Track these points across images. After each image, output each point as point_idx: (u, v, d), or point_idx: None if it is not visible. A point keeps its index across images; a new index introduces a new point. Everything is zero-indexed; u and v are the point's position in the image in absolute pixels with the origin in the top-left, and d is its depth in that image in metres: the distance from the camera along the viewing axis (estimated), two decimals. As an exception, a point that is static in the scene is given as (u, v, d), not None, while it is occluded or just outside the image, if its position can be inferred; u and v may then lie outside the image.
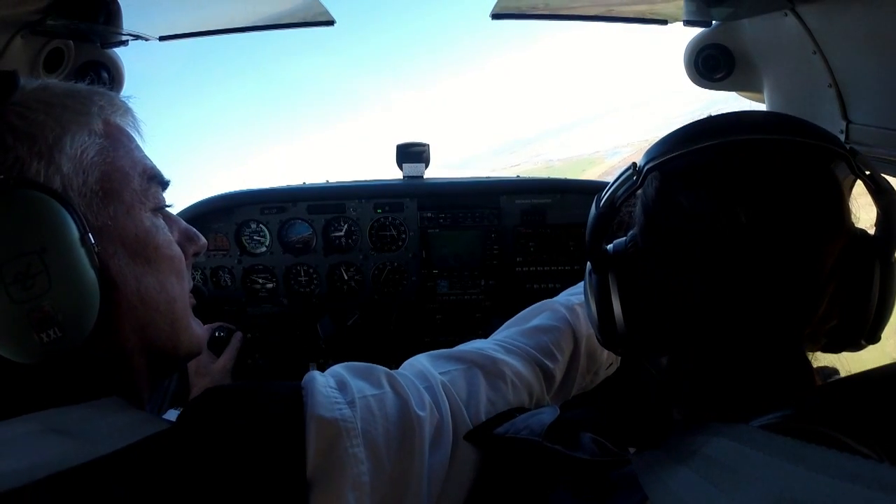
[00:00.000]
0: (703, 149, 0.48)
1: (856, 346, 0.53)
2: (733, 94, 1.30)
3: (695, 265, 0.50)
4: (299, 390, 0.53)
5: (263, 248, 1.60)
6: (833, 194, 0.48)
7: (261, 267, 1.60)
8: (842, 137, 0.95)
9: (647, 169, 0.51)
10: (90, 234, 0.49)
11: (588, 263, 0.60)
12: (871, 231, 0.51)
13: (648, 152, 0.52)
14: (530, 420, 0.60)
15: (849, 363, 0.56)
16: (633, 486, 0.45)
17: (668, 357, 0.58)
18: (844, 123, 0.94)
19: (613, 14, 1.25)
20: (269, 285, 1.61)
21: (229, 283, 1.60)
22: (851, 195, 0.50)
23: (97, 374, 0.52)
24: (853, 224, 0.50)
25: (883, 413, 0.42)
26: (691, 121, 0.52)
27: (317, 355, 1.61)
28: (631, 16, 1.26)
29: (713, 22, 1.21)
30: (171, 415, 1.05)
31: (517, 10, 1.23)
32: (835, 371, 0.58)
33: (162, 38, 1.25)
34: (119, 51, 1.24)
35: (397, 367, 0.67)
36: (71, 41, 1.14)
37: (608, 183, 0.55)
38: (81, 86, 0.57)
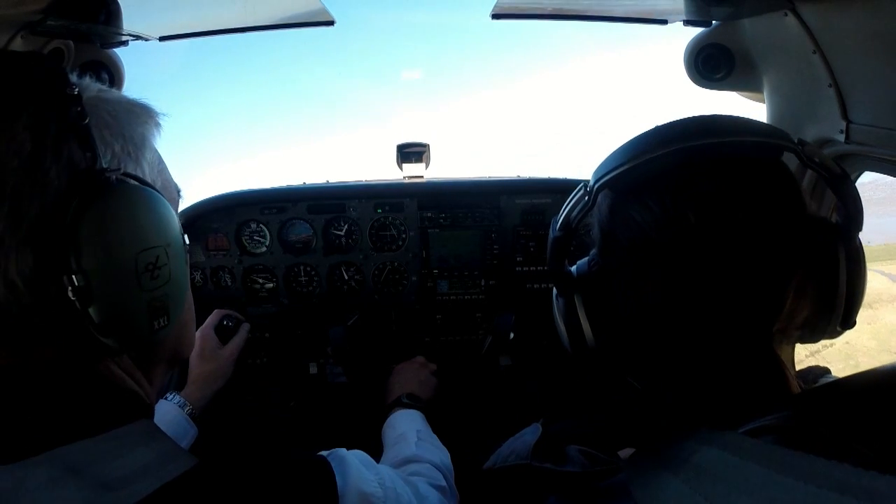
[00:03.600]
0: (648, 161, 0.48)
1: (832, 333, 0.53)
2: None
3: (653, 275, 0.49)
4: (325, 462, 0.55)
5: (263, 248, 1.60)
6: (782, 185, 0.47)
7: (261, 267, 1.60)
8: (842, 137, 0.95)
9: (598, 187, 0.51)
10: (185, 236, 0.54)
11: (553, 287, 0.60)
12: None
13: (597, 171, 0.52)
14: (515, 444, 0.60)
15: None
16: (623, 495, 0.45)
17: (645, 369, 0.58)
18: (844, 123, 0.94)
19: (613, 14, 1.25)
20: (270, 285, 1.61)
21: (229, 283, 1.60)
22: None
23: (141, 364, 0.54)
24: (810, 213, 0.49)
25: (873, 416, 0.42)
26: (635, 135, 0.51)
27: (317, 355, 1.61)
28: (631, 15, 1.26)
29: (713, 22, 1.21)
30: (172, 398, 1.12)
31: (517, 10, 1.23)
32: (826, 371, 0.58)
33: (162, 39, 1.24)
34: (119, 51, 1.24)
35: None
36: (71, 41, 1.14)
37: None
38: (132, 97, 0.57)
